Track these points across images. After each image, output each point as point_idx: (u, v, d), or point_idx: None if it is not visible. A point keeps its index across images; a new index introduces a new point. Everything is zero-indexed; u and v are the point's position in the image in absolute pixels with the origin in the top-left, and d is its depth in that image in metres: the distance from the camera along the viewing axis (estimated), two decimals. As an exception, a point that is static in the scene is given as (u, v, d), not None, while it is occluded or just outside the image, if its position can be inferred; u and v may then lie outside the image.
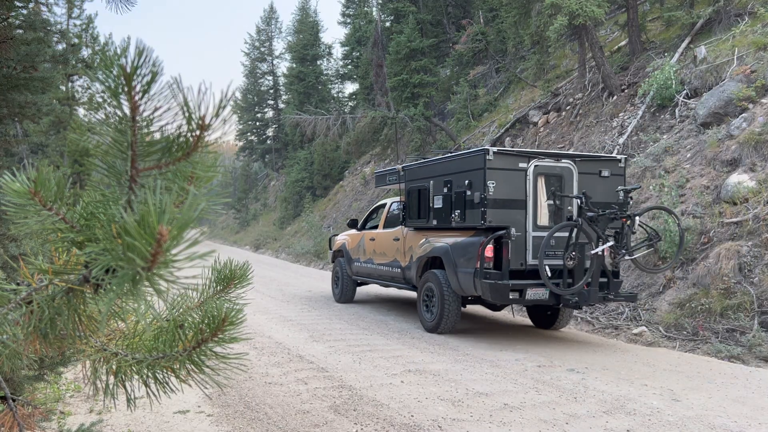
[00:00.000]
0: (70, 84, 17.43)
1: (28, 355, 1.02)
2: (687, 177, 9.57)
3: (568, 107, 15.43)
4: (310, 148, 33.13)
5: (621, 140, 11.91)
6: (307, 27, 39.98)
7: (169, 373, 1.10)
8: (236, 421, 4.39)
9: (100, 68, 0.81)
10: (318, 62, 39.45)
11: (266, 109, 48.17)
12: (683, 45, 12.91)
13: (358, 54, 34.08)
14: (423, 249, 8.37)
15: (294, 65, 39.25)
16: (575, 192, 7.34)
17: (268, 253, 28.19)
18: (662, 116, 11.81)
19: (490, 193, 7.03)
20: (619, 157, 7.90)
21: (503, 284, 6.90)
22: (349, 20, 36.86)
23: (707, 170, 9.36)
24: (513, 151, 7.60)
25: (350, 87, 42.95)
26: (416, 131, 21.40)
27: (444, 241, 7.93)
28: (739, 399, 5.02)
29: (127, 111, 0.84)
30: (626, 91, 13.48)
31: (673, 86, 11.54)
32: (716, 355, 6.66)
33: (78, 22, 17.89)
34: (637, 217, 6.93)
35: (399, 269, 9.04)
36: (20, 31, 3.74)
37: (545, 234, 6.86)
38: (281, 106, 45.16)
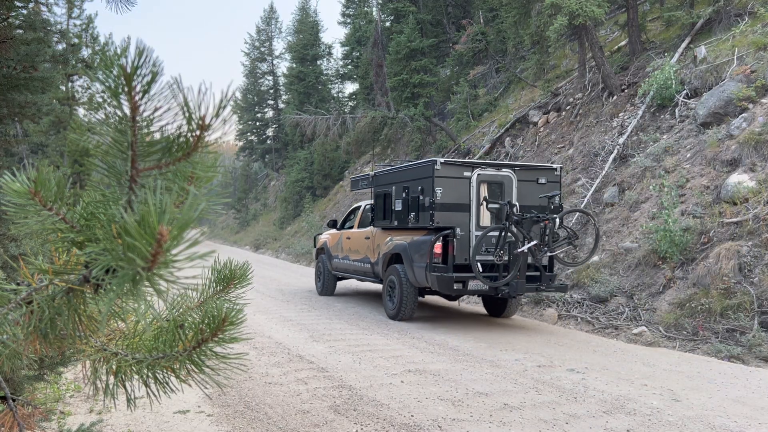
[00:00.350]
0: (70, 84, 17.43)
1: (28, 355, 1.02)
2: (687, 177, 9.57)
3: (568, 107, 15.42)
4: (310, 148, 33.12)
5: (621, 140, 11.91)
6: (307, 27, 39.97)
7: (169, 373, 1.10)
8: (236, 421, 4.39)
9: (100, 68, 0.81)
10: (318, 62, 39.43)
11: (266, 109, 48.14)
12: (683, 45, 12.91)
13: (358, 54, 34.07)
14: (387, 246, 9.32)
15: (294, 65, 39.23)
16: (515, 197, 8.35)
17: (268, 253, 28.19)
18: (662, 116, 11.81)
19: (438, 198, 8.02)
20: (555, 166, 8.84)
21: (448, 276, 7.86)
22: (349, 20, 36.84)
23: (707, 170, 9.35)
24: (458, 161, 8.50)
25: (350, 87, 42.95)
26: (416, 131, 21.39)
27: (403, 239, 8.89)
28: (739, 399, 5.02)
29: (127, 111, 0.84)
30: (626, 91, 13.47)
31: (673, 86, 11.54)
32: (716, 355, 6.66)
33: (78, 22, 17.89)
34: (556, 219, 7.81)
35: (369, 265, 10.01)
36: (20, 31, 3.74)
37: (494, 233, 7.95)
38: (281, 106, 45.14)
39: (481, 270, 7.70)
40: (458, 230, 8.07)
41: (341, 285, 13.44)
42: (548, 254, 7.84)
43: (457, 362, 6.25)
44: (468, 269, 8.02)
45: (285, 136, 41.26)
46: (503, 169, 8.42)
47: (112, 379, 1.13)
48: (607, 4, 12.70)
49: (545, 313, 9.33)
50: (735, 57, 10.85)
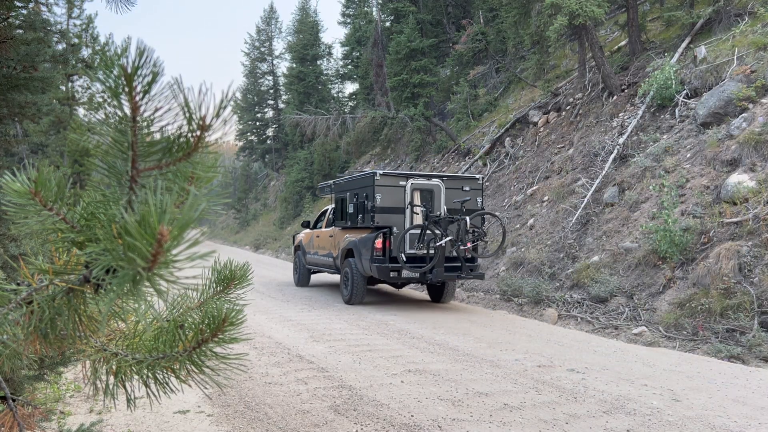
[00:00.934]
0: (70, 84, 17.42)
1: (28, 355, 1.02)
2: (687, 177, 9.57)
3: (568, 107, 15.42)
4: (310, 148, 33.12)
5: (621, 140, 11.91)
6: (307, 27, 39.95)
7: (169, 373, 1.10)
8: (236, 421, 4.39)
9: (101, 68, 0.81)
10: (318, 62, 39.41)
11: (266, 109, 48.12)
12: (683, 45, 12.91)
13: (358, 54, 34.07)
14: (344, 243, 10.83)
15: (294, 65, 39.21)
16: (443, 202, 10.08)
17: (268, 253, 28.19)
18: (662, 116, 11.81)
19: (378, 203, 9.71)
20: (477, 176, 10.59)
21: (385, 266, 9.54)
22: (349, 20, 36.84)
23: (707, 170, 9.35)
24: (395, 173, 10.10)
25: (350, 87, 42.96)
26: (416, 131, 21.39)
27: (355, 237, 10.45)
28: (739, 399, 5.02)
29: (127, 111, 0.84)
30: (626, 91, 13.48)
31: (673, 86, 11.54)
32: (716, 355, 6.66)
33: (78, 22, 17.87)
34: (467, 219, 9.25)
35: (332, 259, 11.59)
36: (20, 31, 3.74)
37: (418, 231, 9.64)
38: (281, 106, 45.12)
39: (405, 260, 9.51)
40: (395, 229, 9.80)
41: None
42: (461, 248, 9.35)
43: (457, 362, 6.25)
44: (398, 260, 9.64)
45: (285, 136, 41.25)
46: (433, 179, 10.18)
47: (112, 379, 1.12)
48: (607, 4, 12.70)
49: (545, 313, 9.33)
50: (735, 57, 10.85)
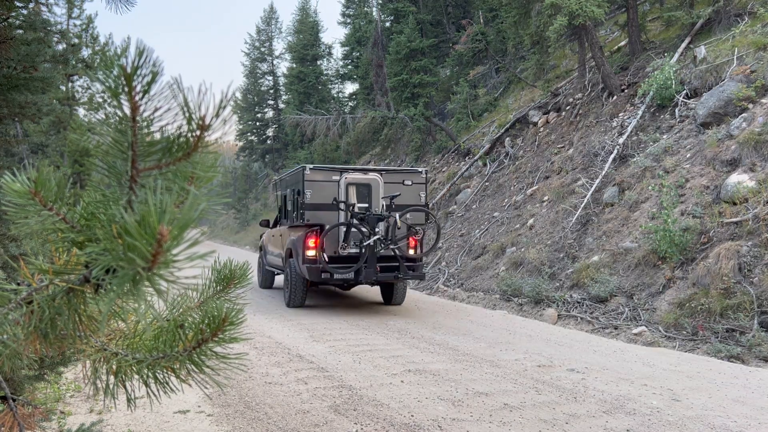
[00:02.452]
0: (70, 84, 17.42)
1: (28, 355, 1.02)
2: (687, 177, 9.57)
3: (568, 107, 15.42)
4: (310, 148, 33.10)
5: (621, 140, 11.91)
6: (307, 27, 39.94)
7: (169, 373, 1.10)
8: (236, 421, 4.39)
9: (101, 68, 0.81)
10: (318, 62, 39.41)
11: (266, 109, 48.08)
12: (683, 45, 12.91)
13: (358, 54, 34.05)
14: (287, 242, 10.08)
15: (294, 65, 39.21)
16: (381, 197, 9.40)
17: (268, 253, 28.17)
18: (662, 116, 11.81)
19: (308, 199, 9.08)
20: (420, 170, 9.97)
21: (316, 267, 8.81)
22: (349, 20, 36.82)
23: (707, 170, 9.35)
24: (327, 167, 9.51)
25: (350, 87, 42.90)
26: (416, 131, 21.39)
27: (294, 236, 9.70)
28: (739, 399, 5.02)
29: (127, 111, 0.84)
30: (626, 91, 13.47)
31: (673, 86, 11.53)
32: (716, 355, 6.66)
33: (78, 22, 17.88)
34: (398, 216, 8.74)
35: (281, 259, 10.74)
36: (20, 31, 3.74)
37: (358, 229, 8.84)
38: (281, 106, 45.11)
39: (327, 260, 8.82)
40: (327, 226, 8.98)
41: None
42: (391, 247, 8.83)
43: (457, 362, 6.25)
44: (335, 260, 9.02)
45: (285, 136, 41.23)
46: (370, 173, 9.55)
47: (112, 379, 1.13)
48: (607, 4, 12.70)
49: (545, 313, 9.33)
50: (735, 57, 10.85)
